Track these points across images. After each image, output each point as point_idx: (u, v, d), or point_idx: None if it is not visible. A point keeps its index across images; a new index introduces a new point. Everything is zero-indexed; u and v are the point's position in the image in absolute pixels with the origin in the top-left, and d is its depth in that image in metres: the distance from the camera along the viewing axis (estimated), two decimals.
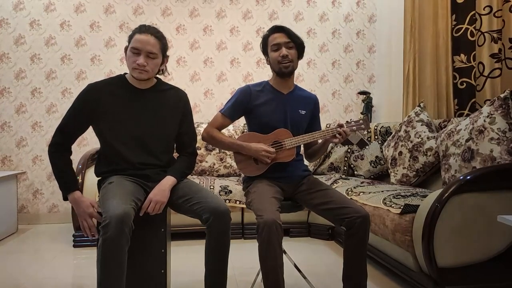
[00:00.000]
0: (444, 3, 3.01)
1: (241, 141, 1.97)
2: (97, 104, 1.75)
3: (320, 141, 2.02)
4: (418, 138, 2.73)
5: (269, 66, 2.02)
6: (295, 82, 2.08)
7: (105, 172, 1.78)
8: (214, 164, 3.58)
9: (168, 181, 1.75)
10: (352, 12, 4.23)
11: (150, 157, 1.80)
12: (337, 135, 1.87)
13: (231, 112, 2.00)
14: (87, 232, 1.67)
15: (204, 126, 3.49)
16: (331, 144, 3.63)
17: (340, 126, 1.89)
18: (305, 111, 2.03)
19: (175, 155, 1.95)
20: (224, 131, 2.08)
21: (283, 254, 1.71)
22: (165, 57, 1.82)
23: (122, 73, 1.87)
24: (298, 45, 1.93)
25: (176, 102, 1.87)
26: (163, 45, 1.78)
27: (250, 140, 1.94)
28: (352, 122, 1.94)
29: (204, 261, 1.71)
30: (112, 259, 1.45)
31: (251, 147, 1.91)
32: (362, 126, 1.93)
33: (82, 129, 1.82)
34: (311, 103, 2.08)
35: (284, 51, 1.90)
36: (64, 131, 1.77)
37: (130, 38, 1.75)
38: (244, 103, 1.98)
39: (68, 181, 1.73)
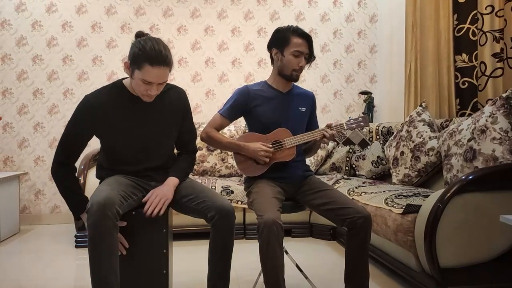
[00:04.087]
0: (446, 3, 3.01)
1: (241, 141, 1.97)
2: (97, 117, 1.70)
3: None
4: (420, 138, 2.73)
5: (270, 62, 2.02)
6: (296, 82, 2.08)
7: (106, 175, 1.79)
8: (216, 164, 3.58)
9: (172, 181, 1.76)
10: (354, 12, 4.23)
11: (154, 161, 1.80)
12: (324, 136, 1.87)
13: (229, 113, 2.00)
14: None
15: (205, 125, 3.49)
16: (332, 144, 3.66)
17: (328, 126, 1.89)
18: (305, 108, 2.04)
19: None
20: (225, 131, 2.08)
21: (285, 254, 1.71)
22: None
23: (124, 74, 1.85)
24: (309, 59, 1.95)
25: (176, 102, 1.85)
26: (172, 66, 1.67)
27: (250, 140, 1.94)
28: (351, 120, 1.94)
29: (208, 260, 1.71)
30: (99, 243, 1.46)
31: (249, 147, 1.91)
32: (362, 123, 1.93)
33: (84, 142, 1.76)
34: (310, 100, 2.09)
35: (303, 62, 1.91)
36: (66, 147, 1.72)
37: (137, 63, 1.57)
38: (243, 104, 1.98)
39: (79, 200, 1.70)
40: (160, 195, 1.67)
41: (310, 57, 1.96)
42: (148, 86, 1.61)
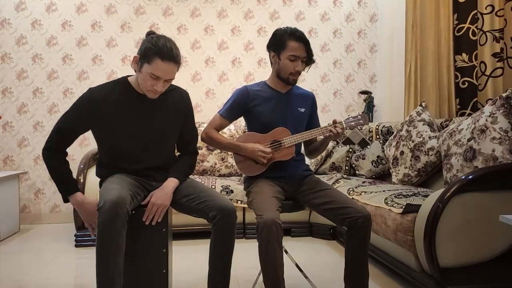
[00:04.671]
0: (446, 2, 3.01)
1: (240, 141, 1.97)
2: (99, 112, 1.70)
3: (319, 138, 2.03)
4: (419, 137, 2.73)
5: (269, 63, 2.02)
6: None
7: (107, 174, 1.79)
8: (216, 164, 3.58)
9: (171, 183, 1.76)
10: (354, 12, 4.23)
11: (154, 160, 1.81)
12: (330, 131, 1.87)
13: (229, 113, 2.00)
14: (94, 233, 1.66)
15: (206, 126, 3.50)
16: (332, 144, 3.66)
17: (334, 122, 1.89)
18: (304, 109, 2.03)
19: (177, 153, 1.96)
20: (225, 130, 2.09)
21: (284, 253, 1.71)
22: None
23: (124, 73, 1.85)
24: (308, 62, 1.94)
25: (179, 103, 1.86)
26: (180, 66, 1.70)
27: (249, 140, 1.94)
28: (351, 118, 1.94)
29: (208, 259, 1.71)
30: (107, 242, 1.47)
31: (247, 148, 1.91)
32: (361, 121, 1.93)
33: (80, 133, 1.77)
34: (309, 100, 2.09)
35: (300, 66, 1.90)
36: (61, 134, 1.72)
37: (147, 57, 1.60)
38: (242, 104, 1.98)
39: (67, 183, 1.71)
40: (157, 204, 1.68)
41: (309, 61, 1.94)
42: (155, 82, 1.63)
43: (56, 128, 1.72)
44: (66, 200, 1.71)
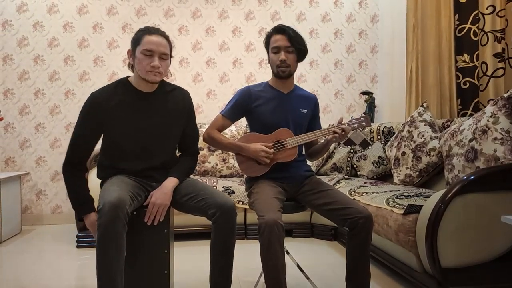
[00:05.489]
0: (447, 3, 3.01)
1: (242, 141, 1.97)
2: (102, 112, 1.71)
3: (321, 140, 2.03)
4: (421, 138, 2.73)
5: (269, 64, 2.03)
6: (297, 83, 2.09)
7: (108, 175, 1.79)
8: (217, 164, 3.58)
9: (171, 183, 1.76)
10: (355, 12, 4.23)
11: (155, 161, 1.81)
12: (335, 133, 1.87)
13: (231, 113, 2.00)
14: None
15: (207, 126, 3.50)
16: (333, 145, 3.66)
17: (340, 122, 1.90)
18: (306, 110, 2.03)
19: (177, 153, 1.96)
20: (226, 131, 2.09)
21: (286, 254, 1.71)
22: (171, 57, 1.80)
23: (125, 74, 1.87)
24: (297, 50, 1.91)
25: (181, 103, 1.87)
26: (171, 45, 1.77)
27: (251, 141, 1.94)
28: (353, 120, 1.94)
29: (210, 257, 1.72)
30: (108, 243, 1.47)
31: (249, 148, 1.91)
32: (363, 123, 1.93)
33: (94, 140, 1.78)
34: (312, 102, 2.08)
35: (282, 55, 1.89)
36: (76, 147, 1.74)
37: (137, 40, 1.69)
38: (244, 104, 1.99)
39: (82, 202, 1.71)
40: (157, 204, 1.69)
41: (297, 50, 1.90)
42: (150, 59, 1.67)
43: (71, 141, 1.75)
44: (80, 219, 1.73)
